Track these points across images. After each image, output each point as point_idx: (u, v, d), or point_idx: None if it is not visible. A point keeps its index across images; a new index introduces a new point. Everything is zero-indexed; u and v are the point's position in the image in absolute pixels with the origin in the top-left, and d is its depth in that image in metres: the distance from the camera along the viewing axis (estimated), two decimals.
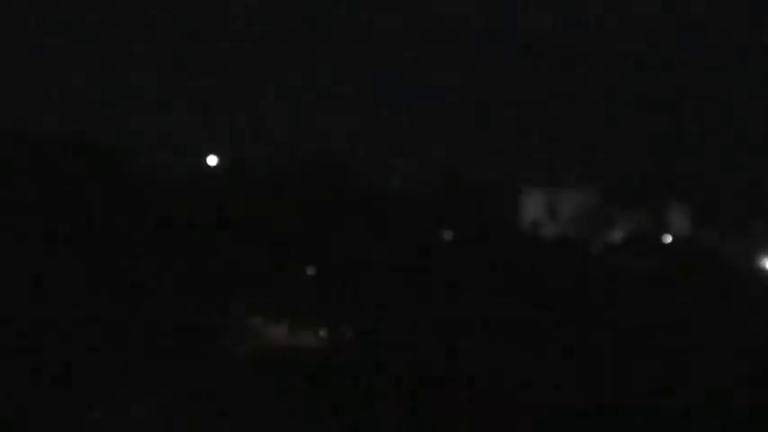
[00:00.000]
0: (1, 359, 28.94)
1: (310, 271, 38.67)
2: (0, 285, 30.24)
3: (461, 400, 30.40)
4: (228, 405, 30.03)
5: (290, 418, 29.56)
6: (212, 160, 46.97)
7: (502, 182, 54.87)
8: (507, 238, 46.38)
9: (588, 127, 59.85)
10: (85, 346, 29.82)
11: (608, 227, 55.46)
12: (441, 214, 45.65)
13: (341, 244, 37.89)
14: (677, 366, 32.89)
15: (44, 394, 28.62)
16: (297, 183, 41.03)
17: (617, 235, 54.53)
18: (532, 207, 56.82)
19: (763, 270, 50.91)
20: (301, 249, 37.83)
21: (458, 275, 37.57)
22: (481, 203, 49.49)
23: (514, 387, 31.47)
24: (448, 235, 45.53)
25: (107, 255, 31.83)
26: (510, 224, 52.55)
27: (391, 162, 50.39)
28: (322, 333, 37.04)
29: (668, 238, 55.14)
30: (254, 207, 38.59)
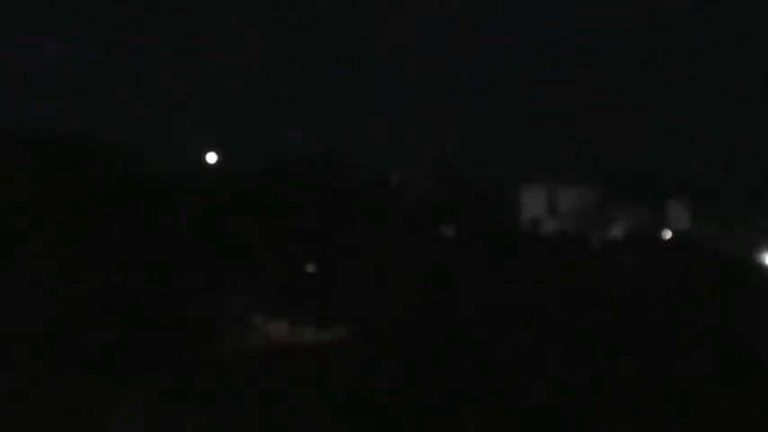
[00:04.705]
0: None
1: (311, 268, 38.71)
2: None
3: (462, 398, 30.40)
4: (228, 403, 30.04)
5: (290, 418, 29.57)
6: (211, 158, 46.96)
7: (501, 178, 54.81)
8: (507, 233, 46.41)
9: (587, 123, 59.82)
10: (83, 344, 29.86)
11: (608, 222, 55.43)
12: (441, 211, 45.65)
13: (341, 241, 37.93)
14: (678, 363, 32.90)
15: (42, 393, 28.65)
16: (297, 180, 41.05)
17: (617, 231, 54.48)
18: (532, 203, 56.75)
19: (762, 265, 50.89)
20: (302, 246, 37.86)
21: (459, 271, 37.60)
22: (481, 199, 49.45)
23: (516, 384, 31.46)
24: (448, 231, 45.51)
25: (106, 253, 31.87)
26: (510, 220, 52.54)
27: (391, 159, 50.35)
28: (323, 330, 37.01)
29: (668, 234, 55.13)
30: (254, 204, 38.62)
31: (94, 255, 31.68)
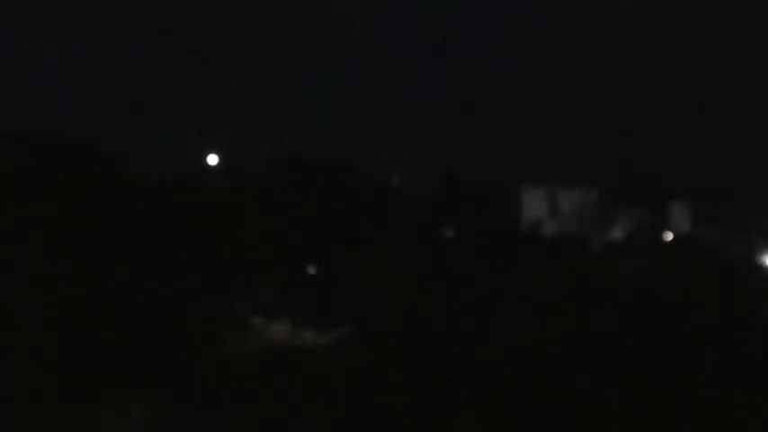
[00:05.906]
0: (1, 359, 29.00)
1: (311, 270, 38.69)
2: None
3: (462, 398, 30.37)
4: (229, 404, 30.03)
5: (291, 418, 29.55)
6: (213, 159, 46.93)
7: (502, 179, 54.76)
8: (508, 235, 46.38)
9: (589, 124, 59.81)
10: (84, 345, 29.84)
11: (609, 224, 55.42)
12: (441, 212, 45.62)
13: (341, 242, 37.91)
14: (678, 364, 32.87)
15: (42, 395, 28.64)
16: (297, 181, 41.04)
17: (618, 232, 54.48)
18: (533, 204, 56.69)
19: (763, 267, 50.88)
20: (302, 248, 37.85)
21: (459, 273, 37.57)
22: (482, 201, 49.42)
23: (516, 384, 31.43)
24: (449, 232, 45.49)
25: (106, 253, 31.85)
26: (510, 221, 52.52)
27: (391, 161, 50.34)
28: (323, 331, 37.00)
29: (669, 235, 55.15)
30: (254, 205, 38.61)
31: (94, 255, 31.66)
